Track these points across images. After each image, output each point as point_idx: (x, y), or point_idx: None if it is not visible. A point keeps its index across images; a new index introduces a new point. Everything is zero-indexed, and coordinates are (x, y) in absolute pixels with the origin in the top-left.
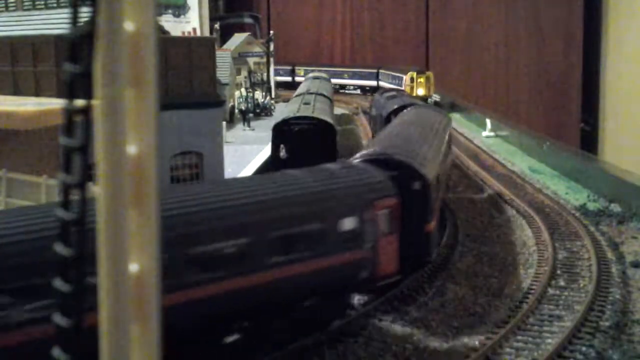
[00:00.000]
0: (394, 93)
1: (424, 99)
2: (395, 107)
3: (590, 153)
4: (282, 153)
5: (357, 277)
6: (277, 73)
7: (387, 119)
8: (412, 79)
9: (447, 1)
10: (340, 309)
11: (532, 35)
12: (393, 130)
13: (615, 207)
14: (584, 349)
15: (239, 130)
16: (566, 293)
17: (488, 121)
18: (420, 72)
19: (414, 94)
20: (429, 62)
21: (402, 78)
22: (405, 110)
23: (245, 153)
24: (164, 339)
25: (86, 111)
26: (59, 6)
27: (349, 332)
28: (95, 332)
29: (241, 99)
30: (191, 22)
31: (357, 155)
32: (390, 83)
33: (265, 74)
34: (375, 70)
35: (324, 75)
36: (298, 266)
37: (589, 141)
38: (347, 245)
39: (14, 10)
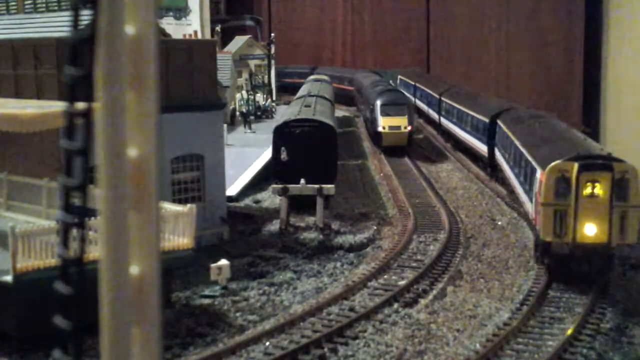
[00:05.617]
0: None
1: (606, 255)
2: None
3: None
4: (283, 155)
5: None
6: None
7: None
8: (566, 182)
9: (448, 2)
10: None
11: (532, 37)
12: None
13: None
14: (584, 351)
15: (240, 132)
16: (567, 295)
17: None
18: (595, 166)
19: (568, 237)
20: (430, 64)
21: (534, 172)
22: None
23: (247, 155)
24: None
25: (87, 114)
26: (60, 9)
27: (349, 334)
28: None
29: (242, 102)
30: (192, 25)
31: None
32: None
33: (266, 77)
34: (487, 120)
35: (325, 77)
36: None
37: None
38: None
39: (15, 13)
